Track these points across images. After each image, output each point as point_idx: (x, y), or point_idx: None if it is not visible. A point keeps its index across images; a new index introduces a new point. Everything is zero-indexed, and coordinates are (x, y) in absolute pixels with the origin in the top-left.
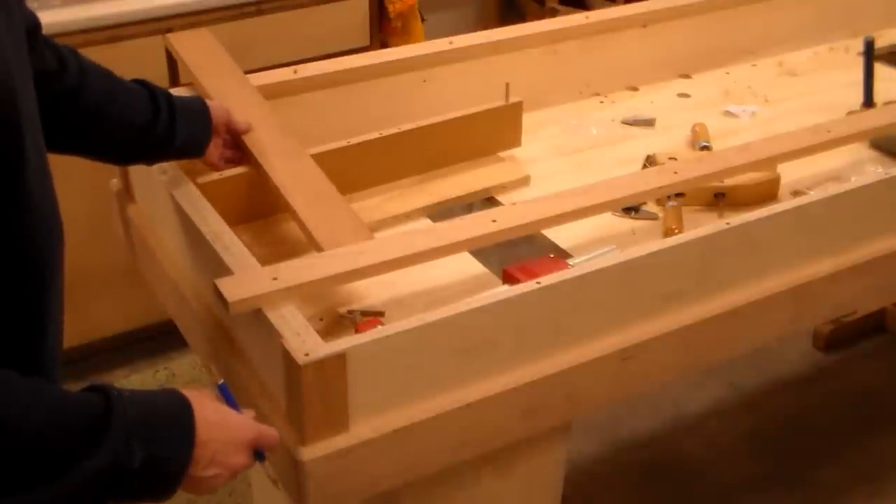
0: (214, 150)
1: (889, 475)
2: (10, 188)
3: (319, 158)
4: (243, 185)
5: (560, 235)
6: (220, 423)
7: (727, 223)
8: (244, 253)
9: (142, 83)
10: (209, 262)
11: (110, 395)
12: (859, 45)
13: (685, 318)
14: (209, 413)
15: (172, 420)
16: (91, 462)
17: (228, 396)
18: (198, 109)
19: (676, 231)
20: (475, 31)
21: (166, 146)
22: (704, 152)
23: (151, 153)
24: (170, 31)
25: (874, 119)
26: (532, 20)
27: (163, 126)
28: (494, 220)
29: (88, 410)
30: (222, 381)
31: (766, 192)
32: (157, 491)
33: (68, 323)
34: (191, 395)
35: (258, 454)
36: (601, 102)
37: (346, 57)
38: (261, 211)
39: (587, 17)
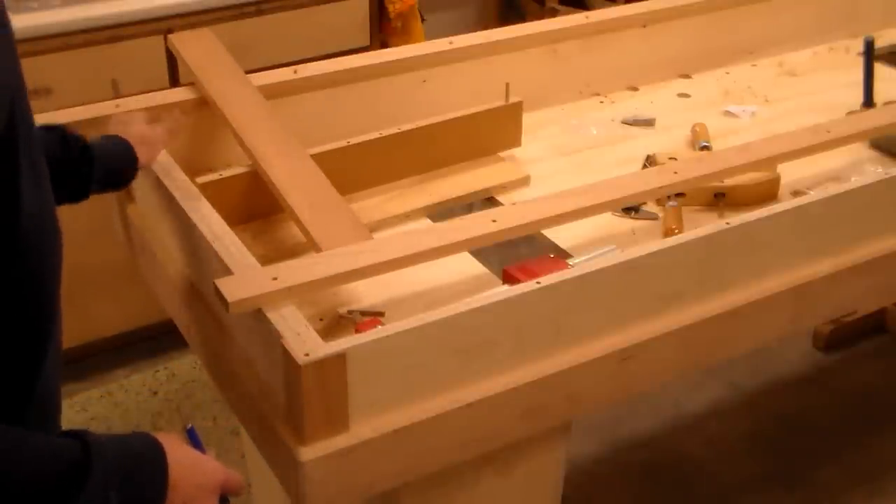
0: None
1: (889, 475)
2: (5, 202)
3: (319, 158)
4: (243, 185)
5: (560, 235)
6: (191, 467)
7: (727, 223)
8: (244, 253)
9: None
10: (209, 262)
11: (89, 443)
12: (859, 45)
13: (685, 318)
14: (181, 457)
15: (147, 465)
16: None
17: (196, 440)
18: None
19: (676, 231)
20: (475, 31)
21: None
22: (704, 152)
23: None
24: (170, 31)
25: (874, 119)
26: (532, 20)
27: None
28: (494, 220)
29: (69, 459)
30: (190, 425)
31: (766, 192)
32: None
33: (68, 323)
34: (162, 438)
35: (223, 499)
36: (601, 102)
37: (346, 57)
38: (261, 211)
39: (587, 17)
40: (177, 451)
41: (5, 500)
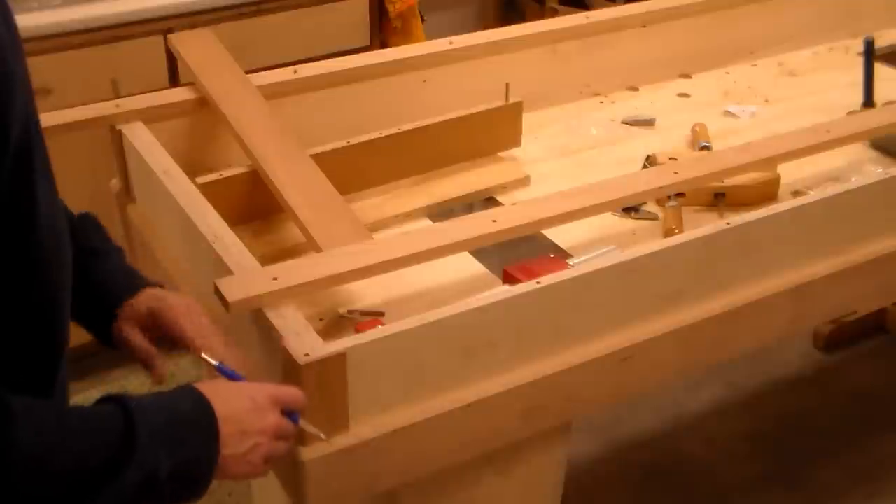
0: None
1: (889, 475)
2: (23, 212)
3: (319, 158)
4: (243, 185)
5: (560, 235)
6: (235, 394)
7: (727, 223)
8: (244, 253)
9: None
10: (209, 262)
11: (129, 407)
12: (859, 45)
13: (685, 318)
14: (221, 390)
15: (191, 415)
16: (124, 477)
17: (230, 374)
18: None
19: (676, 231)
20: (475, 31)
21: None
22: (704, 152)
23: None
24: (170, 31)
25: (874, 119)
26: (532, 20)
27: None
28: (494, 220)
29: (114, 427)
30: (219, 362)
31: (766, 192)
32: (190, 489)
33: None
34: (204, 388)
35: (290, 416)
36: (601, 102)
37: (346, 57)
38: (261, 211)
39: (587, 17)
40: (217, 386)
41: (58, 478)
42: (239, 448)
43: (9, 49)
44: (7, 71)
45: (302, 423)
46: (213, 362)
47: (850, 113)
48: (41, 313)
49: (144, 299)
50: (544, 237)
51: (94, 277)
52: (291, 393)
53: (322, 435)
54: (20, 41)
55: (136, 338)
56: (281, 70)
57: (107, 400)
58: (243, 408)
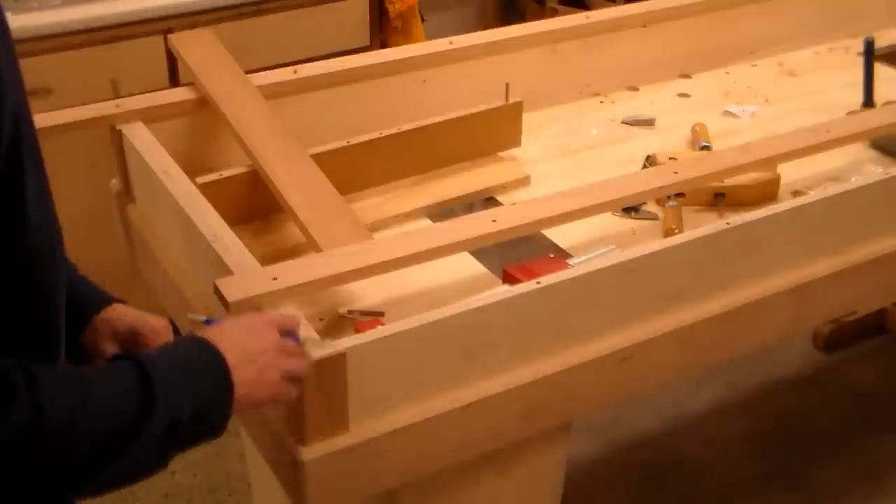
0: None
1: (889, 475)
2: (11, 213)
3: (319, 158)
4: (243, 185)
5: (560, 235)
6: (230, 328)
7: (727, 223)
8: (244, 253)
9: None
10: (209, 262)
11: (142, 361)
12: (859, 45)
13: (685, 318)
14: (216, 329)
15: (198, 357)
16: (148, 430)
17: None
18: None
19: (676, 231)
20: (475, 31)
21: None
22: (704, 152)
23: None
24: (170, 31)
25: (874, 119)
26: (532, 20)
27: None
28: (494, 220)
29: (131, 384)
30: (205, 317)
31: (766, 192)
32: (212, 427)
33: None
34: (205, 332)
35: (291, 336)
36: (601, 102)
37: (346, 57)
38: (261, 211)
39: (587, 17)
40: (218, 334)
41: (84, 439)
42: (249, 372)
43: (0, 53)
44: None
45: (304, 339)
46: (201, 318)
47: (850, 113)
48: (35, 312)
49: (122, 315)
50: (544, 237)
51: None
52: (285, 316)
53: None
54: (12, 43)
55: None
56: (281, 70)
57: (117, 359)
58: (241, 336)
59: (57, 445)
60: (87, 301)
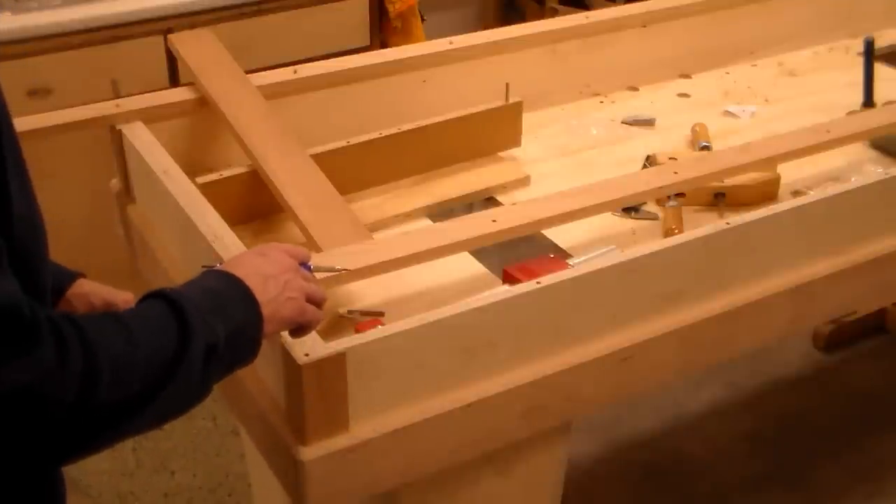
0: None
1: (889, 475)
2: None
3: (319, 158)
4: (243, 185)
5: (560, 235)
6: (243, 257)
7: (727, 223)
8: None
9: None
10: (209, 262)
11: (172, 297)
12: (859, 45)
13: (685, 318)
14: (231, 261)
15: (223, 285)
16: (189, 358)
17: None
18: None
19: (676, 231)
20: (475, 31)
21: None
22: (704, 152)
23: None
24: (170, 30)
25: (874, 119)
26: (532, 20)
27: None
28: (494, 220)
29: (167, 320)
30: (202, 267)
31: (766, 192)
32: (248, 349)
33: None
34: (222, 266)
35: (304, 266)
36: (601, 102)
37: (346, 57)
38: (261, 211)
39: (587, 17)
40: (234, 263)
41: (135, 379)
42: (271, 291)
43: None
44: None
45: (314, 268)
46: (216, 264)
47: (850, 113)
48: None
49: (97, 289)
50: (544, 237)
51: None
52: (294, 246)
53: (338, 266)
54: None
55: None
56: (281, 70)
57: (148, 297)
58: (257, 260)
59: (112, 384)
60: (55, 276)
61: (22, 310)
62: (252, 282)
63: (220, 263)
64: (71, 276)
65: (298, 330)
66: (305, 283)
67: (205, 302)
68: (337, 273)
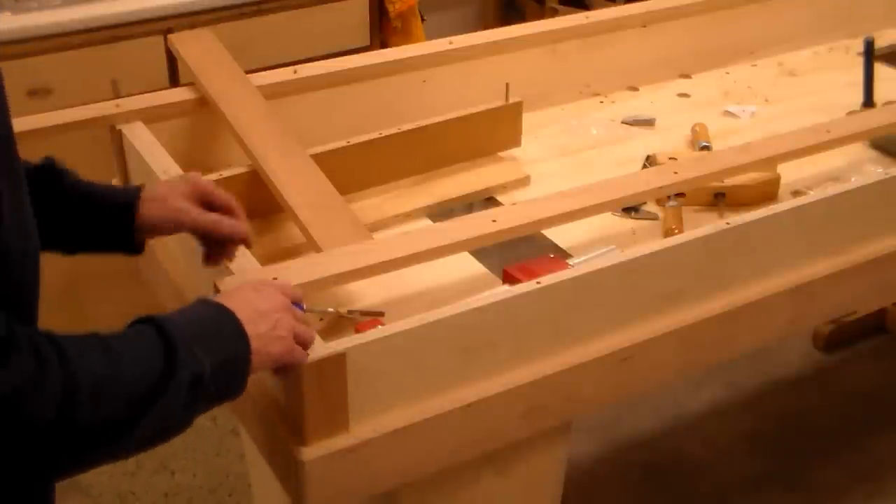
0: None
1: (889, 475)
2: None
3: (319, 158)
4: (243, 185)
5: (560, 235)
6: (239, 290)
7: (727, 223)
8: (244, 253)
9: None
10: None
11: (161, 323)
12: (859, 45)
13: (685, 318)
14: (226, 294)
15: (215, 317)
16: (173, 388)
17: None
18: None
19: (676, 231)
20: (475, 31)
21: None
22: (704, 152)
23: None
24: (170, 30)
25: (874, 119)
26: (532, 20)
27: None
28: (494, 220)
29: (153, 346)
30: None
31: (766, 192)
32: (234, 382)
33: (68, 323)
34: (218, 298)
35: (296, 306)
36: (601, 102)
37: (346, 57)
38: (261, 211)
39: (587, 17)
40: (228, 295)
41: (114, 404)
42: (262, 327)
43: None
44: None
45: (307, 308)
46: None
47: (850, 113)
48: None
49: (168, 192)
50: (544, 237)
51: (94, 188)
52: (288, 284)
53: (330, 308)
54: None
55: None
56: (281, 70)
57: (136, 323)
58: (251, 295)
59: (91, 405)
60: (122, 189)
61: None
62: (243, 315)
63: (216, 294)
64: (135, 192)
65: (282, 369)
66: (296, 323)
67: (194, 331)
68: (331, 314)
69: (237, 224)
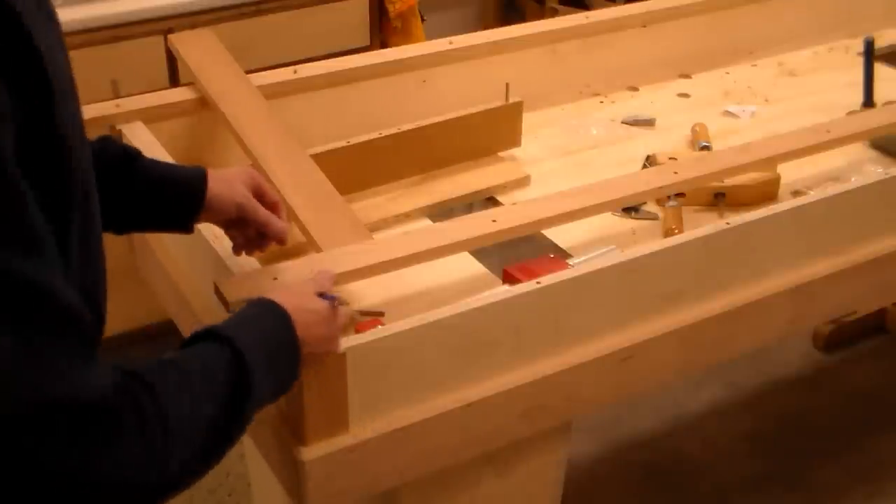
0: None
1: (889, 475)
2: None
3: (319, 158)
4: None
5: (560, 235)
6: (289, 292)
7: (727, 223)
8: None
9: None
10: (209, 262)
11: (238, 349)
12: (859, 45)
13: (685, 318)
14: (281, 292)
15: (279, 335)
16: (247, 410)
17: None
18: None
19: (676, 231)
20: (475, 31)
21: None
22: (704, 152)
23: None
24: (170, 31)
25: (874, 119)
26: (532, 20)
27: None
28: (494, 220)
29: (230, 376)
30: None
31: (766, 192)
32: (283, 392)
33: None
34: (281, 299)
35: (328, 297)
36: (601, 102)
37: (346, 57)
38: None
39: (587, 17)
40: (283, 296)
41: (196, 434)
42: (311, 335)
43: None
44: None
45: (336, 303)
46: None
47: (850, 113)
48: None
49: (238, 173)
50: (544, 237)
51: (160, 166)
52: (325, 276)
53: (346, 301)
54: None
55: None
56: (281, 70)
57: (209, 337)
58: (300, 301)
59: (181, 448)
60: (190, 170)
61: (108, 401)
62: (300, 321)
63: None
64: (202, 170)
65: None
66: (334, 325)
67: (263, 357)
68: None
69: (285, 225)
